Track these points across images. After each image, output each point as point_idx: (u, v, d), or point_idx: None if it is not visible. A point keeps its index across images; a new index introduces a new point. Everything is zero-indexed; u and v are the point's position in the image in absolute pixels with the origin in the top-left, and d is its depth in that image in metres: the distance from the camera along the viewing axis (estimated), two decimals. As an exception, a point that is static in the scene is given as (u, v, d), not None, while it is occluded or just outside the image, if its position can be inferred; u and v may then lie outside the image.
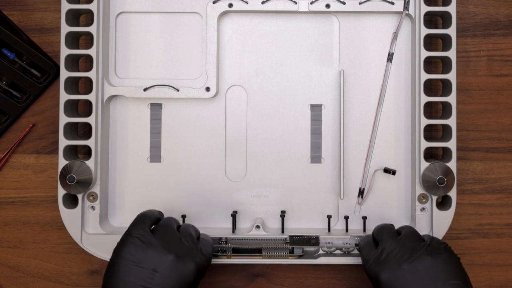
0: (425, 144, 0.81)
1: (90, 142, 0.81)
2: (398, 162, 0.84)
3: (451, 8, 0.81)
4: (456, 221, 0.86)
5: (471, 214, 0.87)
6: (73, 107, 0.84)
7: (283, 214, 0.83)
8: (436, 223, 0.81)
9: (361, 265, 0.78)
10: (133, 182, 0.85)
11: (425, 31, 0.82)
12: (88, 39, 0.85)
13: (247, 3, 0.83)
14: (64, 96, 0.81)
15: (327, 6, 0.83)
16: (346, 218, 0.84)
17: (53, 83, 0.87)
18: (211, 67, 0.83)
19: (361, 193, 0.84)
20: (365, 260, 0.76)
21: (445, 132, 0.83)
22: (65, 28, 0.81)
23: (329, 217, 0.84)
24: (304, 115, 0.85)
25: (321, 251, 0.82)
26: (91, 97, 0.81)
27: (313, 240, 0.81)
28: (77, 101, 0.85)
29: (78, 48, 0.85)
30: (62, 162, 0.81)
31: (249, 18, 0.85)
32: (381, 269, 0.73)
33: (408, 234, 0.75)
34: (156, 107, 0.85)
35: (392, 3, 0.83)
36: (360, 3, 0.83)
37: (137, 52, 0.84)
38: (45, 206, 0.87)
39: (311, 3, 0.83)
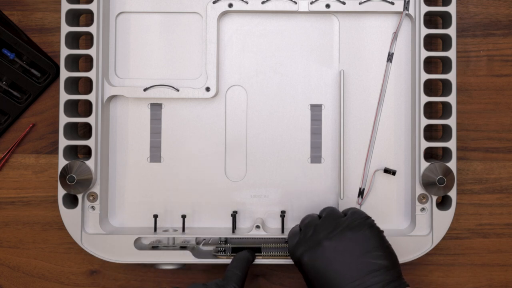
0: (425, 144, 0.81)
1: (90, 142, 0.81)
2: (398, 162, 0.84)
3: (451, 8, 0.81)
4: (456, 221, 0.86)
5: (471, 214, 0.87)
6: (73, 107, 0.84)
7: (283, 214, 0.83)
8: (436, 223, 0.81)
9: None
10: (133, 182, 0.85)
11: (425, 31, 0.82)
12: (88, 39, 0.85)
13: (247, 3, 0.83)
14: (64, 96, 0.81)
15: (327, 6, 0.83)
16: (346, 218, 0.84)
17: (53, 83, 0.87)
18: (211, 67, 0.83)
19: (361, 193, 0.84)
20: (289, 249, 0.75)
21: (445, 132, 0.83)
22: (65, 28, 0.81)
23: (329, 217, 0.84)
24: (304, 115, 0.85)
25: (321, 251, 0.82)
26: (91, 97, 0.81)
27: (313, 240, 0.81)
28: (77, 101, 0.85)
29: (78, 48, 0.85)
30: (62, 162, 0.81)
31: (249, 18, 0.85)
32: (302, 251, 0.72)
33: (328, 214, 0.75)
34: (156, 107, 0.85)
35: (392, 3, 0.83)
36: (360, 3, 0.83)
37: (137, 52, 0.84)
38: (45, 206, 0.87)
39: (311, 3, 0.83)
